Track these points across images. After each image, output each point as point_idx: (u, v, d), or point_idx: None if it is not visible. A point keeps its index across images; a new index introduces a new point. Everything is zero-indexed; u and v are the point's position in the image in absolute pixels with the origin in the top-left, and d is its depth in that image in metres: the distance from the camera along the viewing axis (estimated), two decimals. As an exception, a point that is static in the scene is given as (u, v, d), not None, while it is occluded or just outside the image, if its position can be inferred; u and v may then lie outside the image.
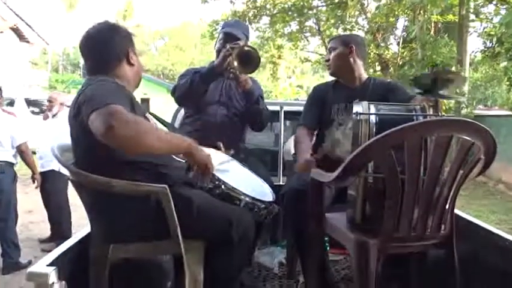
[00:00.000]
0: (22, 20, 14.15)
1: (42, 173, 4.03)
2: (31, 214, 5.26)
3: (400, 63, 12.69)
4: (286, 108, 2.99)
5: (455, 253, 1.51)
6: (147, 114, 1.64)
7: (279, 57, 17.06)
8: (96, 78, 1.52)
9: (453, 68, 9.98)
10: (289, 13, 14.08)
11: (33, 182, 4.00)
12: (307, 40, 16.20)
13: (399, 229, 1.41)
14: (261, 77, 18.91)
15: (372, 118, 1.55)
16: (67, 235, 3.81)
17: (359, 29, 13.98)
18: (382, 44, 13.73)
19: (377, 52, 13.11)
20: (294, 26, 15.09)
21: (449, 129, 1.34)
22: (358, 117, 1.54)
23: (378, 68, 14.02)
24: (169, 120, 3.01)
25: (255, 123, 2.45)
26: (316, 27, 15.10)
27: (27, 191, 4.09)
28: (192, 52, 35.35)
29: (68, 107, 1.78)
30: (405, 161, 1.34)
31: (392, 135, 1.30)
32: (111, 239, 1.50)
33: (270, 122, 2.91)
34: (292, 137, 2.78)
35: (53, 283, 1.24)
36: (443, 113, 1.67)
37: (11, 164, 3.70)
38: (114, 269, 1.51)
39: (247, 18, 13.64)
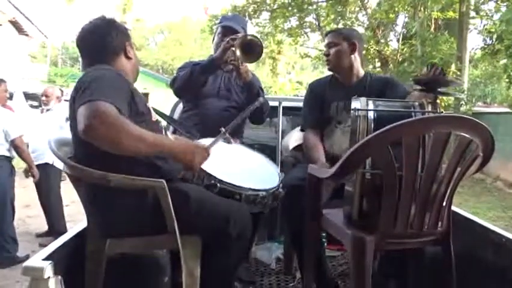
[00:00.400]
0: (21, 13, 14.05)
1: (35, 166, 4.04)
2: (29, 208, 5.26)
3: (400, 59, 12.64)
4: (285, 103, 2.98)
5: (451, 250, 1.51)
6: (147, 104, 1.64)
7: (279, 52, 17.04)
8: (97, 66, 1.51)
9: (453, 65, 9.98)
10: (289, 8, 14.04)
11: (27, 176, 4.00)
12: (307, 36, 16.16)
13: (396, 225, 1.41)
14: (260, 72, 18.87)
15: (371, 114, 1.55)
16: (61, 229, 3.82)
17: (359, 25, 13.95)
18: (382, 41, 13.69)
19: (377, 48, 13.07)
20: (294, 21, 15.05)
21: (447, 126, 1.34)
22: (356, 113, 1.54)
23: (378, 64, 13.99)
24: (168, 114, 3.00)
25: (256, 116, 2.44)
26: (316, 23, 15.05)
27: (25, 186, 4.09)
28: (192, 47, 35.21)
29: (67, 101, 1.78)
30: (402, 158, 1.33)
31: (390, 131, 1.29)
32: (108, 234, 1.50)
33: (269, 117, 2.90)
34: (291, 133, 2.77)
35: (48, 277, 1.24)
36: (442, 110, 1.67)
37: (7, 158, 3.69)
38: (110, 264, 1.51)
39: (247, 13, 13.60)
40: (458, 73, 9.51)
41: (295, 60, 22.01)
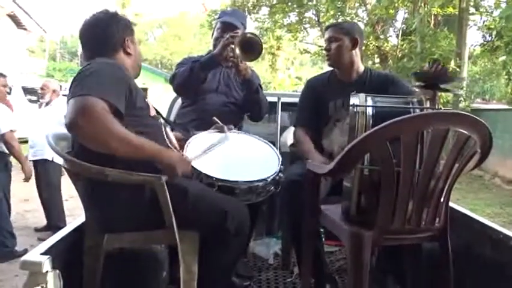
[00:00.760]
0: (19, 7, 13.98)
1: (34, 162, 4.02)
2: (27, 203, 5.27)
3: (399, 55, 12.63)
4: (284, 99, 2.98)
5: (449, 246, 1.51)
6: (147, 100, 1.63)
7: (278, 48, 16.98)
8: (97, 59, 1.51)
9: (452, 62, 9.97)
10: (289, 4, 14.01)
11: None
12: (307, 31, 16.11)
13: (394, 221, 1.41)
14: (259, 68, 18.81)
15: (369, 110, 1.55)
16: (60, 225, 3.81)
17: (359, 20, 13.88)
18: (381, 36, 13.66)
19: (376, 44, 13.05)
20: (293, 17, 15.02)
21: (445, 122, 1.34)
22: (355, 109, 1.54)
23: (377, 60, 13.97)
24: (166, 109, 3.00)
25: (254, 113, 2.44)
26: (316, 19, 15.01)
27: (23, 180, 4.10)
28: (191, 42, 35.09)
29: (65, 95, 1.77)
30: (401, 154, 1.33)
31: (389, 127, 1.29)
32: (106, 229, 1.50)
33: (268, 113, 2.89)
34: (290, 129, 2.77)
35: (47, 272, 1.24)
36: (441, 106, 1.66)
37: (2, 153, 3.66)
38: (108, 259, 1.51)
39: (246, 9, 13.56)
40: (458, 69, 9.50)
41: (295, 56, 21.95)
